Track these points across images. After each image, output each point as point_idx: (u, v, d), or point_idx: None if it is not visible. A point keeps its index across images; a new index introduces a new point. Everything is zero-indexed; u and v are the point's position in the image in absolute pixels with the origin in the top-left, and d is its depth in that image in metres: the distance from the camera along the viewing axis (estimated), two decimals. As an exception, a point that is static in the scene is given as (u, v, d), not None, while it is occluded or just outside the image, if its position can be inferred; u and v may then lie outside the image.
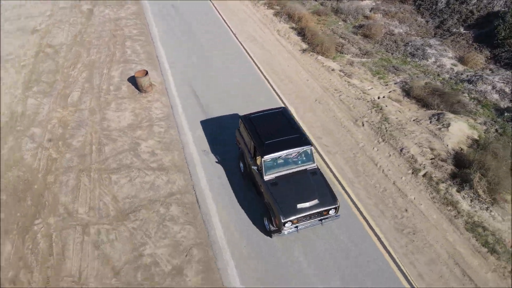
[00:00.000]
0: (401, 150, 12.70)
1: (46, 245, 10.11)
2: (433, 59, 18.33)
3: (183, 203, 11.22)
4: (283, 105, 14.93)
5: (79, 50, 19.21)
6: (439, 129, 13.40)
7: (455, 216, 10.61)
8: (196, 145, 13.26)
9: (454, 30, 20.47)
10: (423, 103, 15.14)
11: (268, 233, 10.23)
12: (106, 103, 15.41)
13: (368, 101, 15.09)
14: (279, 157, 10.21)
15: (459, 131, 13.33)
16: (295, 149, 10.23)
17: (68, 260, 9.75)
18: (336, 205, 9.77)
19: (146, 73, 15.70)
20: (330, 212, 9.83)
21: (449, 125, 13.44)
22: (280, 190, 9.93)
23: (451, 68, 17.85)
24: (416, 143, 12.88)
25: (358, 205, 11.06)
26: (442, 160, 12.23)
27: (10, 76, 17.44)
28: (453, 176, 11.67)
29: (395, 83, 16.54)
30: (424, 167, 12.00)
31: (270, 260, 9.71)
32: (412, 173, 11.96)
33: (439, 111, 14.39)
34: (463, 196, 11.06)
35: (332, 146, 13.15)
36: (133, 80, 16.49)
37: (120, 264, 9.63)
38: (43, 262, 9.71)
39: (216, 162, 12.34)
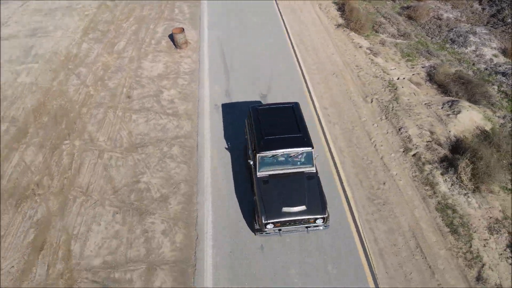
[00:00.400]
0: (399, 129, 12.95)
1: (68, 161, 12.20)
2: (473, 47, 17.62)
3: (184, 145, 12.68)
4: (300, 80, 15.61)
5: (135, 6, 21.17)
6: (448, 115, 13.33)
7: (429, 196, 10.90)
8: (210, 99, 14.57)
9: (509, 20, 19.24)
10: (444, 90, 14.95)
11: (253, 230, 10.02)
12: (145, 54, 17.19)
13: (385, 80, 15.22)
14: (275, 155, 9.78)
15: (468, 120, 13.16)
16: (294, 149, 9.72)
17: (81, 175, 11.74)
18: (324, 215, 9.19)
19: (182, 30, 17.15)
20: (317, 221, 9.30)
21: (459, 112, 13.30)
22: (269, 189, 9.54)
23: (490, 58, 17.07)
24: (417, 125, 13.01)
25: (340, 172, 11.72)
26: (438, 144, 12.32)
27: (74, 23, 19.88)
28: (442, 160, 11.78)
29: (422, 67, 16.35)
30: (416, 148, 12.22)
31: (243, 200, 10.87)
32: (403, 151, 12.25)
33: (455, 99, 14.17)
34: (445, 179, 11.22)
35: (334, 116, 13.73)
36: (172, 37, 18.06)
37: (120, 185, 11.41)
38: (63, 173, 11.81)
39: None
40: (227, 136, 13.01)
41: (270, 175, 9.85)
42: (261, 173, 9.86)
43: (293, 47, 17.43)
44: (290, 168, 9.88)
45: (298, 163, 9.90)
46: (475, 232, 9.91)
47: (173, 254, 9.72)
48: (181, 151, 12.54)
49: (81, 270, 9.36)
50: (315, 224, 9.35)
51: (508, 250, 9.54)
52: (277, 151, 9.70)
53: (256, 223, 9.62)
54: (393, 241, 9.96)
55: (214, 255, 9.68)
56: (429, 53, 17.29)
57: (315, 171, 9.91)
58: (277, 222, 9.20)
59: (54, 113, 14.12)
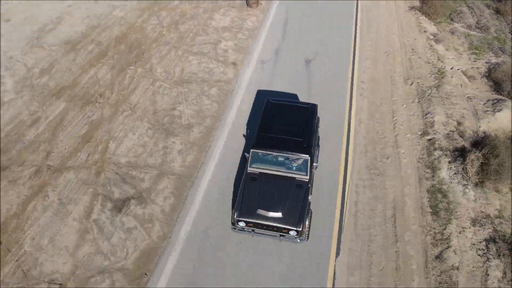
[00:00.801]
0: (426, 114, 12.95)
1: (128, 82, 14.68)
2: (555, 54, 16.02)
3: (222, 89, 14.33)
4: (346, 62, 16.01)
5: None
6: (486, 111, 12.90)
7: (427, 178, 11.09)
8: (259, 56, 15.89)
9: None
10: (497, 88, 14.26)
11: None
12: (219, 7, 18.95)
13: (435, 67, 14.95)
14: (269, 154, 9.56)
15: (506, 120, 12.59)
16: (290, 153, 9.42)
17: (134, 95, 14.13)
18: (298, 229, 8.75)
19: (255, -10, 18.47)
20: (291, 232, 8.87)
21: (499, 110, 12.77)
22: (253, 187, 9.30)
23: None
24: (447, 114, 12.86)
25: (350, 139, 12.38)
26: (460, 136, 12.16)
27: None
28: (456, 150, 11.69)
29: (486, 62, 15.58)
30: (435, 134, 12.23)
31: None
32: (421, 134, 12.36)
33: (504, 98, 13.48)
34: (450, 167, 11.23)
35: (367, 91, 14.12)
36: (247, -4, 19.49)
37: (160, 109, 13.55)
38: (121, 90, 14.32)
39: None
40: (260, 89, 14.30)
41: (260, 173, 9.51)
42: (251, 169, 9.59)
43: (356, 23, 17.69)
44: (283, 171, 9.45)
45: (293, 168, 9.46)
46: (456, 219, 10.03)
47: (181, 169, 11.60)
48: (218, 92, 14.21)
49: (110, 163, 11.73)
50: (289, 235, 8.88)
51: (483, 243, 9.55)
52: (271, 151, 9.40)
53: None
54: (372, 207, 10.56)
55: (211, 178, 11.32)
56: (501, 51, 16.23)
57: (307, 180, 9.38)
58: (248, 222, 8.94)
59: (130, 44, 16.72)
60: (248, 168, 9.64)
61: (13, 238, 9.77)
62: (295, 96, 13.90)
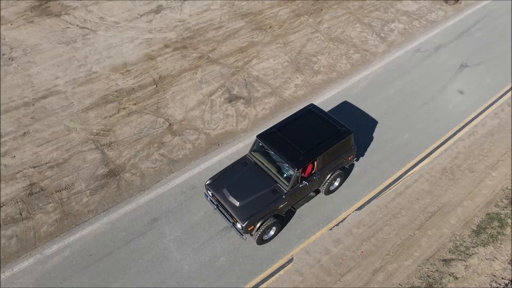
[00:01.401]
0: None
1: (295, 25, 17.37)
2: None
3: (364, 57, 15.60)
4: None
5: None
6: None
7: (496, 205, 10.42)
8: (419, 44, 16.17)
9: None
10: None
11: None
12: (414, -6, 19.40)
13: None
14: (267, 150, 9.65)
15: None
16: (280, 158, 9.26)
17: (293, 35, 16.75)
18: (242, 224, 8.79)
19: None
20: (237, 225, 9.02)
21: None
22: (239, 170, 9.64)
23: None
24: None
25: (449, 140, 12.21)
26: None
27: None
28: None
29: None
30: None
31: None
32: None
33: None
34: (532, 209, 10.12)
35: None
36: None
37: (304, 51, 15.85)
38: (286, 29, 17.15)
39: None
40: (394, 72, 14.95)
41: (254, 162, 9.76)
42: (250, 155, 9.91)
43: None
44: (271, 171, 9.46)
45: (283, 174, 9.37)
46: (494, 248, 9.39)
47: (288, 97, 13.92)
48: (358, 59, 15.58)
49: (244, 71, 14.92)
50: (237, 227, 9.08)
51: (505, 281, 8.85)
52: (268, 147, 9.45)
53: None
54: (419, 196, 10.76)
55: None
56: None
57: (285, 191, 9.16)
58: (212, 195, 9.43)
59: (319, -1, 19.22)
60: (248, 153, 9.99)
61: (164, 87, 14.14)
62: (407, 96, 14.11)
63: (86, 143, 12.16)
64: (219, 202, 9.35)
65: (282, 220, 9.87)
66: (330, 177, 10.06)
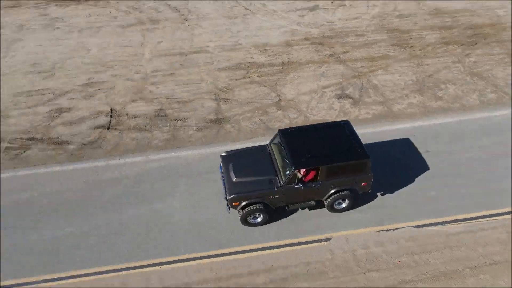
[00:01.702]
0: None
1: (436, 52, 17.00)
2: None
3: (499, 96, 14.47)
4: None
5: None
6: None
7: None
8: None
9: None
10: None
11: None
12: None
13: None
14: (279, 148, 10.03)
15: None
16: (287, 155, 9.55)
17: (431, 59, 16.48)
18: (227, 197, 9.60)
19: None
20: (227, 197, 9.69)
21: None
22: (254, 154, 10.31)
23: None
24: None
25: None
26: None
27: None
28: None
29: None
30: None
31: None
32: None
33: None
34: None
35: None
36: None
37: (436, 76, 15.52)
38: (426, 52, 16.94)
39: None
40: None
41: (269, 152, 10.34)
42: (268, 145, 10.52)
43: None
44: (277, 164, 9.89)
45: (286, 170, 9.62)
46: None
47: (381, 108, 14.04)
48: (494, 97, 14.54)
49: (365, 78, 15.52)
50: (227, 199, 9.73)
51: None
52: (281, 142, 9.90)
53: None
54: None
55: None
56: None
57: (279, 185, 9.56)
58: (220, 164, 10.46)
59: (478, 32, 18.26)
60: (268, 143, 10.60)
61: (288, 69, 15.82)
62: None
63: (210, 93, 14.73)
64: (222, 174, 10.26)
65: (272, 212, 10.20)
66: (334, 193, 10.00)
